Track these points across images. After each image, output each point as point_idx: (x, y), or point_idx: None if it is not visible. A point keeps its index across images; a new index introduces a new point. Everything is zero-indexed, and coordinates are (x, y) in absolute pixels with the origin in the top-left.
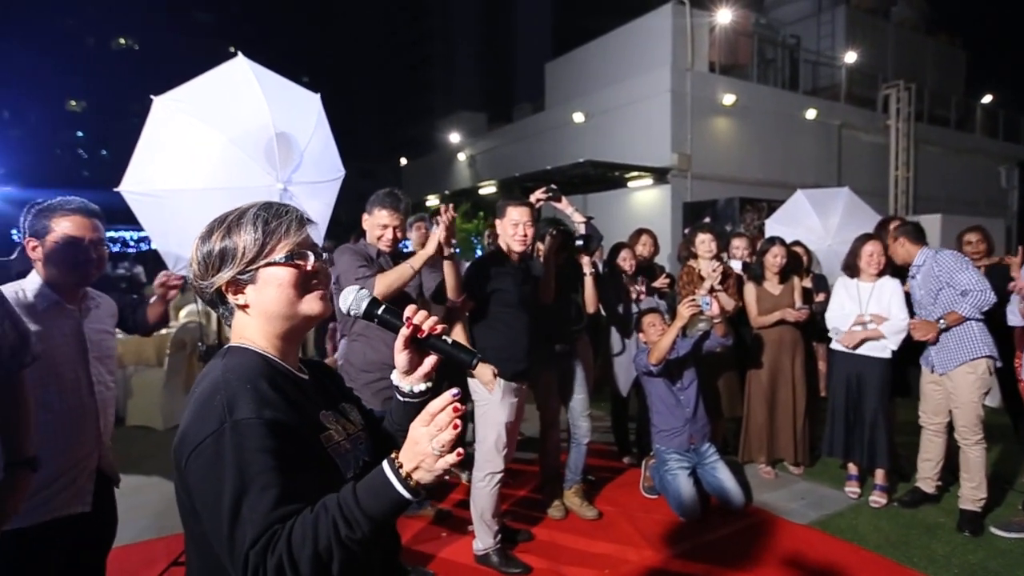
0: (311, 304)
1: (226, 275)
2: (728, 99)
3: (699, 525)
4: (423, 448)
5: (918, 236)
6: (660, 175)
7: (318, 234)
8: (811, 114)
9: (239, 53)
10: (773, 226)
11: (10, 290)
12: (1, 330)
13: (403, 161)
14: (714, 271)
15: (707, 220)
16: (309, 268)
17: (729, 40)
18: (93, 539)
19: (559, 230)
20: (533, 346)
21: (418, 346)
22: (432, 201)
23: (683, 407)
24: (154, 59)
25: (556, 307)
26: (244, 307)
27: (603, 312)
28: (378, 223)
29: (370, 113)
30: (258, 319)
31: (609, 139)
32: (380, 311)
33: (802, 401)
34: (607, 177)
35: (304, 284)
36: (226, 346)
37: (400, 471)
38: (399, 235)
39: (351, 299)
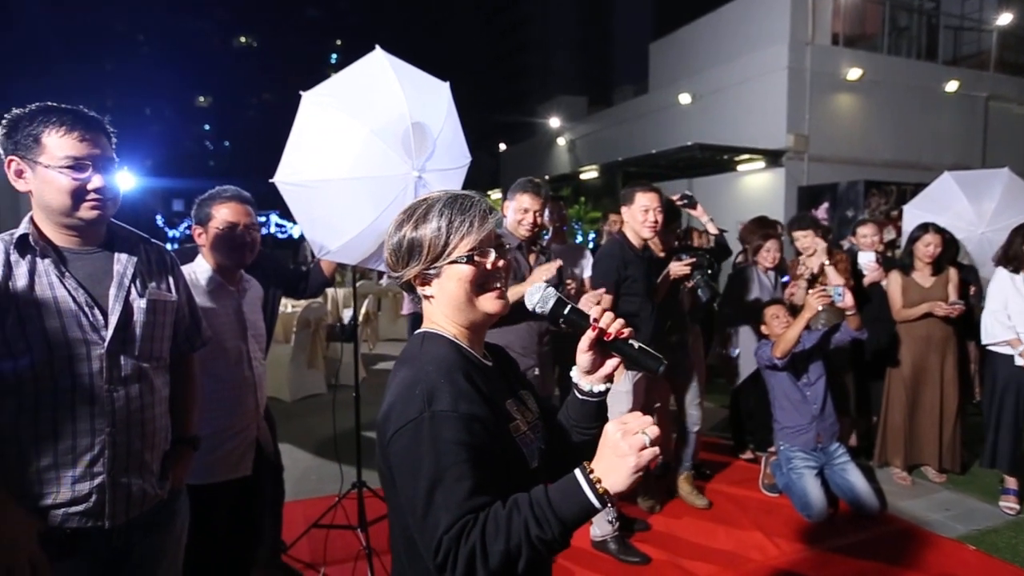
0: (488, 303)
1: (413, 270)
2: (853, 73)
3: (828, 528)
4: (615, 463)
5: None
6: (773, 158)
7: None
8: (952, 86)
9: (376, 47)
10: (913, 212)
11: (183, 273)
12: (180, 314)
13: (502, 147)
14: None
15: (825, 205)
16: (489, 266)
17: (856, 9)
18: (251, 500)
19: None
20: (657, 335)
21: (603, 348)
22: None
23: (809, 404)
24: (270, 55)
25: (669, 296)
26: (430, 297)
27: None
28: (521, 207)
29: (469, 100)
30: (444, 309)
31: (718, 121)
32: (567, 311)
33: (952, 404)
34: (715, 160)
35: (483, 283)
36: (422, 331)
37: (591, 477)
38: (539, 220)
39: (537, 297)
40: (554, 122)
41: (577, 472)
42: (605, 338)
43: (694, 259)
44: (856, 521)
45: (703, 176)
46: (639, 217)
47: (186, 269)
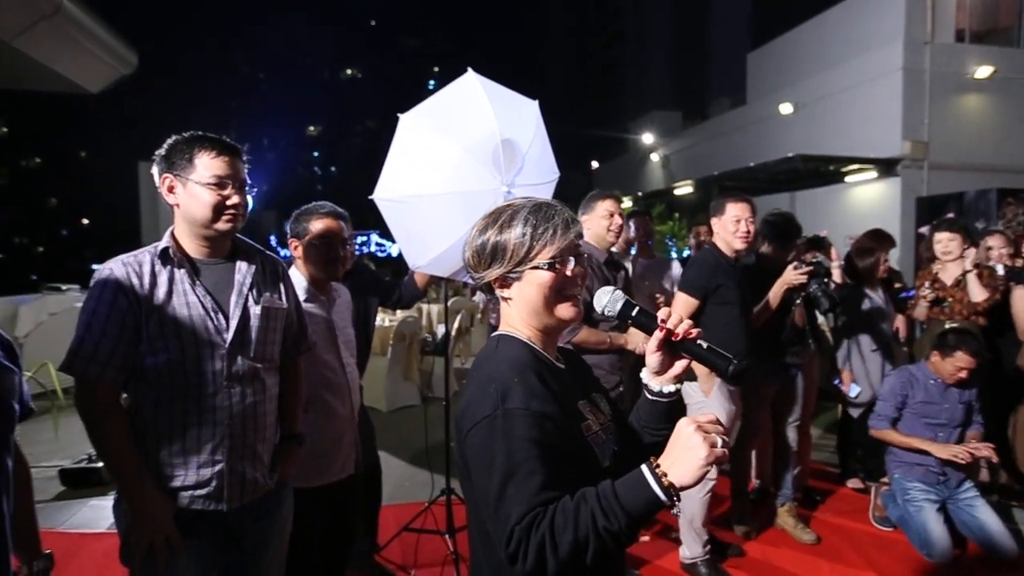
0: (564, 310)
1: (495, 272)
2: (982, 71)
3: (953, 571)
4: (683, 454)
5: None
6: (887, 167)
7: None
8: None
9: (469, 69)
10: None
11: (292, 284)
12: (289, 320)
13: (594, 164)
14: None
15: (950, 215)
16: (568, 274)
17: (985, 1)
18: (349, 500)
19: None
20: (750, 348)
21: (671, 349)
22: (625, 203)
23: (939, 441)
24: (373, 84)
25: (782, 317)
26: (508, 299)
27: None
28: (605, 211)
29: (561, 118)
30: (520, 312)
31: (822, 130)
32: (634, 313)
33: None
34: (819, 172)
35: (561, 289)
36: (498, 333)
37: (657, 471)
38: (623, 221)
39: (606, 300)
40: (647, 138)
41: (644, 466)
42: (673, 338)
43: (811, 267)
44: (988, 565)
45: (806, 189)
46: (730, 228)
47: None
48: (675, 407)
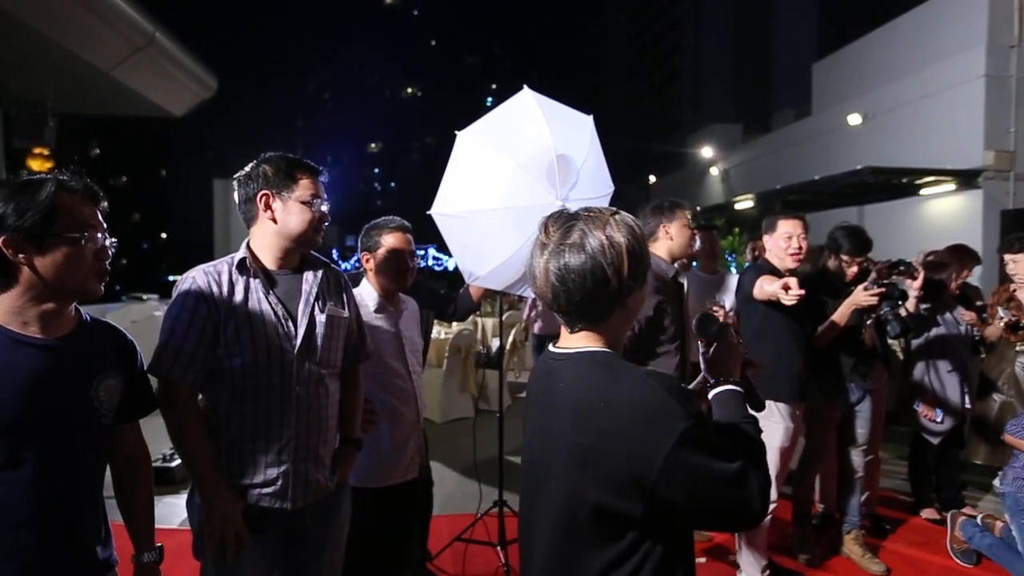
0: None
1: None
2: None
3: None
4: (727, 354)
5: None
6: (967, 179)
7: None
8: None
9: (524, 86)
10: None
11: (354, 295)
12: (350, 329)
13: (651, 179)
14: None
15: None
16: None
17: None
18: (407, 506)
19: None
20: (807, 365)
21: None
22: None
23: None
24: (432, 102)
25: (852, 337)
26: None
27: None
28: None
29: (619, 132)
30: (620, 334)
31: (894, 141)
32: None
33: None
34: (891, 185)
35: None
36: (602, 351)
37: (715, 383)
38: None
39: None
40: (707, 151)
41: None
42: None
43: (883, 288)
44: None
45: (876, 203)
46: (782, 244)
47: (355, 292)
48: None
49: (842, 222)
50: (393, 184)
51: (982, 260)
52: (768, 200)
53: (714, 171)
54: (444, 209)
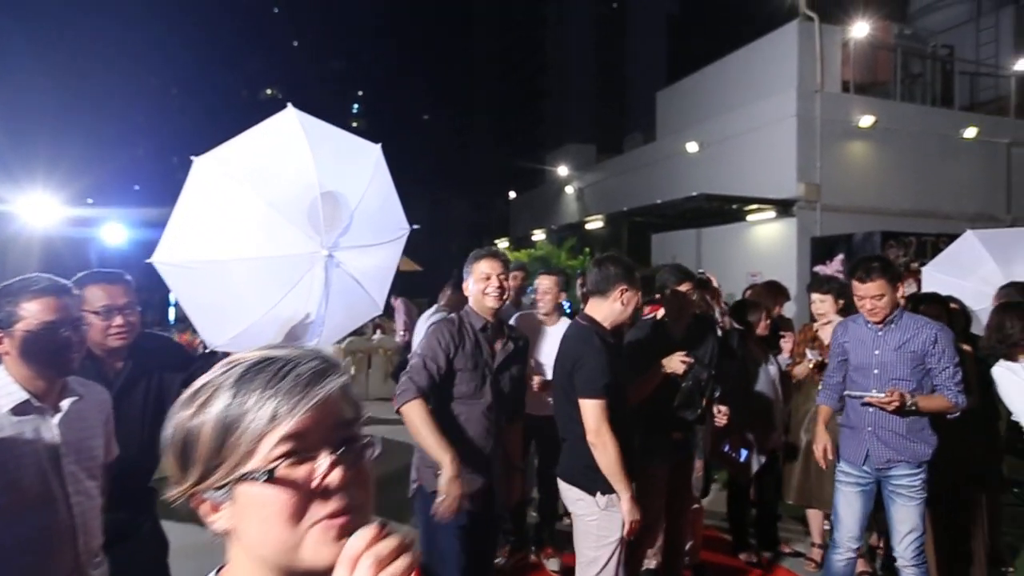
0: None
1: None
2: (865, 121)
3: None
4: None
5: None
6: (784, 207)
7: (380, 295)
8: (970, 132)
9: (289, 104)
10: (934, 275)
11: None
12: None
13: (511, 195)
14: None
15: (840, 257)
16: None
17: (866, 56)
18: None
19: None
20: (654, 431)
21: None
22: (538, 235)
23: None
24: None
25: (668, 391)
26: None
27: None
28: (481, 275)
29: (486, 148)
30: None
31: (726, 170)
32: None
33: None
34: (723, 210)
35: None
36: None
37: None
38: (505, 283)
39: None
40: (563, 170)
41: None
42: None
43: (692, 360)
44: None
45: (712, 226)
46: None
47: None
48: None
49: (674, 256)
50: None
51: (790, 297)
52: (616, 221)
53: (569, 190)
54: (170, 257)
